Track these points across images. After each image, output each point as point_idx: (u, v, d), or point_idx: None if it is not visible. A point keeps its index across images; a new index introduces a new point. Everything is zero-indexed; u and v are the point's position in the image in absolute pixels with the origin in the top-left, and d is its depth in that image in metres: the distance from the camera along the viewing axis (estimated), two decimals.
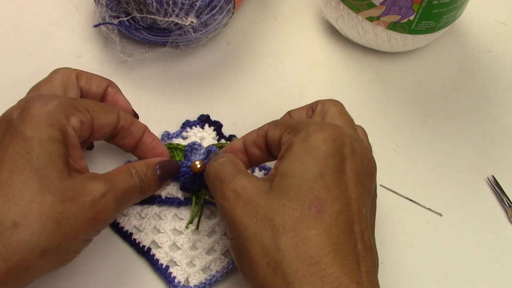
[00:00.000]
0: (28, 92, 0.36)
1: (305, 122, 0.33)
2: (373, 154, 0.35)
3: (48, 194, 0.29)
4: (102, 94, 0.39)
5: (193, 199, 0.39)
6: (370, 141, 0.39)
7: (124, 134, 0.37)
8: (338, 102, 0.37)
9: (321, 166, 0.30)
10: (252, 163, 0.38)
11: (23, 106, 0.32)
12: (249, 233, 0.30)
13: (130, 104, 0.40)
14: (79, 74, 0.38)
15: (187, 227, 0.39)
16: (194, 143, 0.40)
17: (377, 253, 0.32)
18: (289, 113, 0.40)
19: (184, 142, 0.42)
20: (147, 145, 0.38)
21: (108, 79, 0.40)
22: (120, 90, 0.40)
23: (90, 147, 0.41)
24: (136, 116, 0.41)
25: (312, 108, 0.38)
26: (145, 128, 0.38)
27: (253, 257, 0.30)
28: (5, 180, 0.29)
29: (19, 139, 0.30)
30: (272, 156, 0.37)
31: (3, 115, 0.33)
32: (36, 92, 0.35)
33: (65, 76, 0.37)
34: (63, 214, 0.29)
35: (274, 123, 0.36)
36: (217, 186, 0.33)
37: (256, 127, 0.45)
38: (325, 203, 0.29)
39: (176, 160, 0.39)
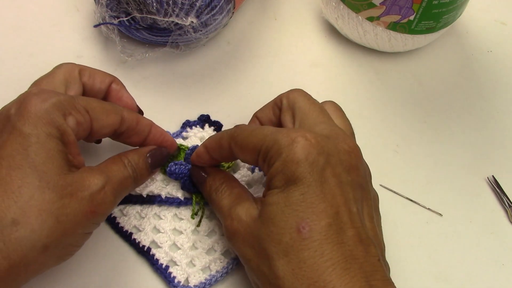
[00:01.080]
0: (29, 87, 0.35)
1: (275, 145, 0.31)
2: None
3: (47, 190, 0.29)
4: (105, 90, 0.38)
5: (194, 198, 0.39)
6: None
7: (129, 134, 0.37)
8: (301, 91, 0.37)
9: (302, 187, 0.30)
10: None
11: (21, 102, 0.31)
12: (252, 265, 0.31)
13: (134, 101, 0.40)
14: (82, 69, 0.37)
15: (192, 217, 0.39)
16: (196, 147, 0.41)
17: (382, 240, 0.33)
18: (256, 116, 0.39)
19: (184, 142, 0.42)
20: (155, 140, 0.38)
21: (112, 75, 0.39)
22: (124, 86, 0.39)
23: (98, 141, 0.41)
24: (140, 112, 0.41)
25: (277, 104, 0.37)
26: (151, 125, 0.38)
27: (262, 286, 0.31)
28: (3, 177, 0.29)
29: (17, 136, 0.30)
30: None
31: (1, 110, 0.33)
32: (36, 87, 0.35)
33: (67, 72, 0.36)
34: (62, 210, 0.29)
35: (238, 145, 0.34)
36: (220, 219, 0.36)
37: None
38: (312, 221, 0.29)
39: (166, 148, 0.39)
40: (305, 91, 0.37)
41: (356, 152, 0.33)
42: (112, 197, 0.32)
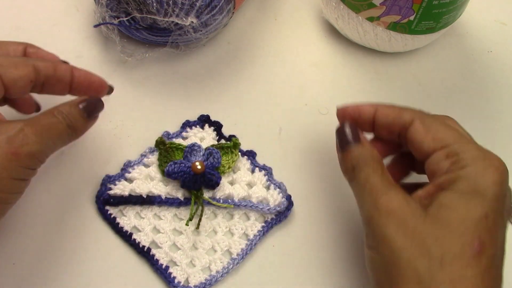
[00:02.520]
0: None
1: (468, 152, 0.32)
2: None
3: None
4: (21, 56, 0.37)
5: (192, 198, 0.39)
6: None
7: (51, 83, 0.36)
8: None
9: (488, 207, 0.30)
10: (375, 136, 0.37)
11: None
12: (404, 255, 0.30)
13: (57, 57, 0.39)
14: None
15: (187, 224, 0.39)
16: (194, 145, 0.40)
17: None
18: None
19: (184, 142, 0.42)
20: (82, 83, 0.37)
21: (24, 42, 0.38)
22: (40, 48, 0.39)
23: (38, 109, 0.40)
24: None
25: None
26: (72, 68, 0.37)
27: (403, 279, 0.29)
28: None
29: None
30: (398, 146, 0.36)
31: None
32: None
33: None
34: None
35: (425, 126, 0.33)
36: (367, 195, 0.33)
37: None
38: (485, 245, 0.29)
39: (99, 97, 0.38)
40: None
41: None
42: (35, 137, 0.32)
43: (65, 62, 0.38)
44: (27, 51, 0.38)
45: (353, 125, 0.36)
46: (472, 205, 0.30)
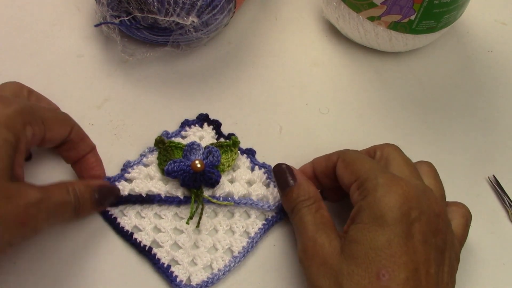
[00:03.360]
0: None
1: (373, 180, 0.33)
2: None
3: None
4: None
5: (192, 196, 0.39)
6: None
7: (70, 147, 0.37)
8: (395, 146, 0.38)
9: (389, 233, 0.31)
10: (323, 186, 0.39)
11: None
12: None
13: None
14: (30, 91, 0.39)
15: (187, 223, 0.39)
16: (193, 143, 0.40)
17: None
18: None
19: (183, 141, 0.42)
20: (88, 163, 0.39)
21: (56, 105, 0.40)
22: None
23: (29, 157, 0.41)
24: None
25: (369, 154, 0.38)
26: (93, 148, 0.39)
27: None
28: None
29: None
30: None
31: None
32: None
33: (16, 88, 0.37)
34: None
35: (344, 162, 0.36)
36: (299, 236, 0.36)
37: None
38: (392, 271, 0.30)
39: (117, 187, 0.39)
40: (399, 148, 0.38)
41: (445, 217, 0.34)
42: (45, 215, 0.32)
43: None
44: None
45: (288, 166, 0.39)
46: (373, 235, 0.31)
